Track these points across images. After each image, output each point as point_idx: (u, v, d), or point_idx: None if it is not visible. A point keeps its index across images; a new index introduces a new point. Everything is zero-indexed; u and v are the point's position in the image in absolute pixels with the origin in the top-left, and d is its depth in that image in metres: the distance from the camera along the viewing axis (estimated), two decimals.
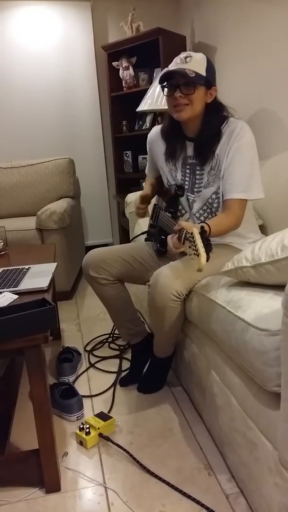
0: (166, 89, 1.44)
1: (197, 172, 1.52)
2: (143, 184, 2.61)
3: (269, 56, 2.20)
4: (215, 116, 1.46)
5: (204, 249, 1.11)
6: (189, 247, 1.17)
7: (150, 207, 1.76)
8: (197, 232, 1.15)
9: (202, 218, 1.54)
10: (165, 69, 1.40)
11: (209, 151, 1.46)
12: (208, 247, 1.13)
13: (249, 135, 1.43)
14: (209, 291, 1.30)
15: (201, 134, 1.48)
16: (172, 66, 1.40)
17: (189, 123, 1.48)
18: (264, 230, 1.85)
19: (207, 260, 1.10)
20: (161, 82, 1.43)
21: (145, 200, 1.69)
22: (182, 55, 1.40)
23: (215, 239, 1.55)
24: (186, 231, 1.21)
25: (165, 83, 1.43)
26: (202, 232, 1.17)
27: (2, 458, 1.25)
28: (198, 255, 1.11)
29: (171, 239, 1.32)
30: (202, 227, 1.20)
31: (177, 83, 1.39)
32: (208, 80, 1.41)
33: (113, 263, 1.61)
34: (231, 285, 1.27)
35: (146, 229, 1.95)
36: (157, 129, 1.66)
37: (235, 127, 1.42)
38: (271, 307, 1.02)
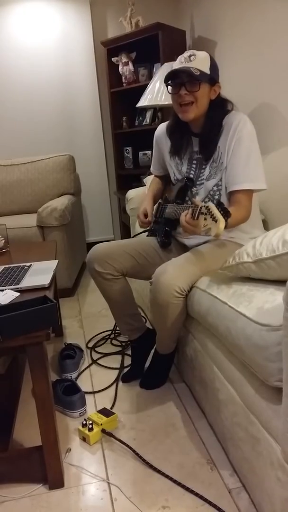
0: (170, 87, 1.45)
1: (203, 167, 1.53)
2: (145, 180, 2.63)
3: (269, 50, 2.19)
4: (219, 111, 1.48)
5: (221, 216, 1.14)
6: (205, 219, 1.19)
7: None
8: (212, 204, 1.18)
9: None
10: (171, 68, 1.42)
11: (214, 145, 1.48)
12: (226, 214, 1.16)
13: (249, 126, 1.44)
14: (210, 286, 1.30)
15: (205, 129, 1.49)
16: (176, 65, 1.43)
17: (194, 120, 1.49)
18: (265, 225, 1.85)
19: (225, 227, 1.14)
20: (166, 81, 1.44)
21: (148, 215, 1.72)
22: (186, 54, 1.43)
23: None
24: (202, 206, 1.22)
25: (170, 82, 1.44)
26: (219, 204, 1.19)
27: (6, 454, 1.25)
28: (216, 221, 1.14)
29: (184, 216, 1.30)
30: (218, 200, 1.23)
31: (182, 81, 1.41)
32: (212, 78, 1.43)
33: (119, 257, 1.60)
34: (232, 281, 1.27)
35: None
36: (164, 126, 1.67)
37: (235, 119, 1.44)
38: (272, 302, 1.02)
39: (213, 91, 1.46)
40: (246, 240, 1.55)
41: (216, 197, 1.51)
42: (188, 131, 1.56)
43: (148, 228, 1.81)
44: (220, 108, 1.48)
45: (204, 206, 1.20)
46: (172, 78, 1.43)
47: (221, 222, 1.13)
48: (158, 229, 1.73)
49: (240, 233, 1.55)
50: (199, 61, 1.40)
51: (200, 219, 1.22)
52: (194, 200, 1.29)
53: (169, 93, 1.47)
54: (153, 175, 1.88)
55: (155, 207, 1.78)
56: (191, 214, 1.27)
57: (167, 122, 1.67)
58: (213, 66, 1.43)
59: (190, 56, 1.41)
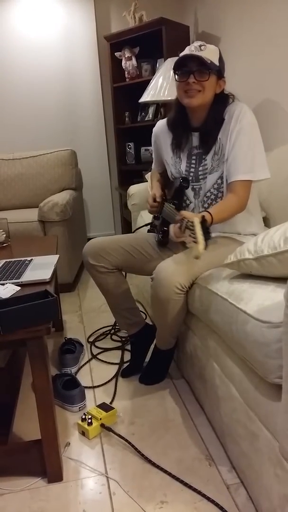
0: (177, 75, 1.42)
1: (204, 161, 1.52)
2: (146, 176, 2.62)
3: (273, 46, 2.18)
4: (222, 106, 1.47)
5: (202, 237, 1.12)
6: (189, 235, 1.18)
7: None
8: (197, 221, 1.16)
9: (205, 206, 1.54)
10: (182, 54, 1.39)
11: (214, 139, 1.47)
12: (207, 235, 1.14)
13: (250, 116, 1.42)
14: (211, 283, 1.30)
15: (206, 123, 1.48)
16: (186, 53, 1.40)
17: (197, 111, 1.48)
18: (267, 222, 1.85)
19: (205, 249, 1.11)
20: (175, 67, 1.41)
21: (157, 198, 1.68)
22: (197, 43, 1.41)
23: (218, 231, 1.55)
24: (187, 220, 1.21)
25: (178, 70, 1.41)
26: (203, 221, 1.18)
27: (5, 448, 1.26)
28: (196, 242, 1.12)
29: (173, 228, 1.32)
30: (203, 216, 1.20)
31: (191, 69, 1.38)
32: (220, 70, 1.42)
33: (113, 252, 1.61)
34: (233, 277, 1.27)
35: (148, 221, 1.95)
36: (162, 122, 1.65)
37: (235, 109, 1.43)
38: (273, 299, 1.02)
39: (218, 85, 1.45)
40: (248, 237, 1.54)
41: (221, 189, 1.50)
42: (188, 126, 1.54)
43: (150, 222, 1.80)
44: (222, 103, 1.47)
45: (190, 221, 1.19)
46: (182, 66, 1.40)
47: (201, 244, 1.11)
48: (157, 226, 1.72)
49: (242, 230, 1.55)
50: (210, 51, 1.39)
51: (186, 233, 1.22)
52: (182, 212, 1.29)
53: (176, 80, 1.44)
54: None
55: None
56: (178, 227, 1.28)
57: (165, 119, 1.64)
58: (221, 59, 1.43)
59: (200, 46, 1.39)
